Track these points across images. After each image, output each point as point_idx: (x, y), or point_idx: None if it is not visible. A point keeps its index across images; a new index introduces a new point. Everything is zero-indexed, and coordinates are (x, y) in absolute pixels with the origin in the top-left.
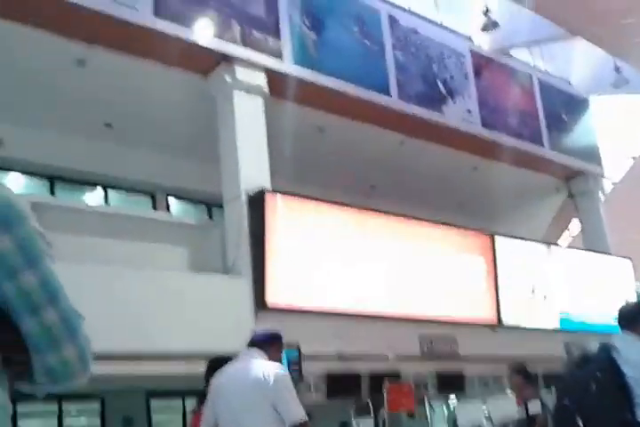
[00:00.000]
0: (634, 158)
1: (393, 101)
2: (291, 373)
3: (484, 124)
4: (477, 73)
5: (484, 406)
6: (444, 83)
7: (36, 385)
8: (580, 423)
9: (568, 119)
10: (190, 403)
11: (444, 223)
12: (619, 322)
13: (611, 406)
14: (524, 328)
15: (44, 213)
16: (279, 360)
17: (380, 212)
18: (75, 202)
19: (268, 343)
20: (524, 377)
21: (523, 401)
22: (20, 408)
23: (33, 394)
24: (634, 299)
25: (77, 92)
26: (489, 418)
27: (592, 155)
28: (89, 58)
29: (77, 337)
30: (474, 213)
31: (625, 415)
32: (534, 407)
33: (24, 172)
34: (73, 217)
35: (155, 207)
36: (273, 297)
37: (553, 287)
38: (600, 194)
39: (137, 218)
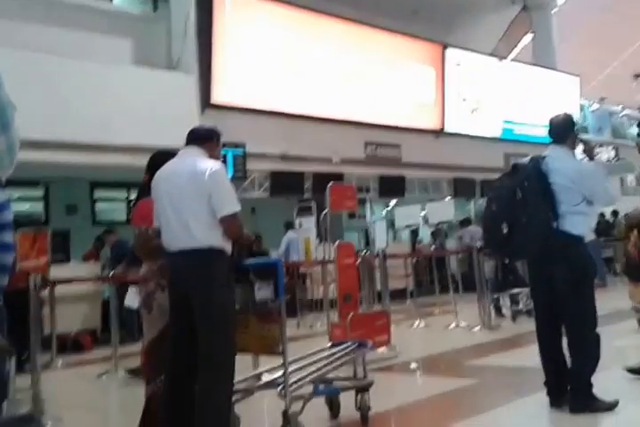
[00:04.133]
0: None
1: None
2: (235, 170)
3: None
4: None
5: (422, 210)
6: None
7: None
8: (505, 229)
9: None
10: (135, 194)
11: (396, 31)
12: (549, 134)
13: (535, 214)
14: (466, 135)
15: None
16: (218, 157)
17: (332, 15)
18: None
19: (207, 140)
20: None
21: None
22: None
23: None
24: (568, 112)
25: None
26: (425, 219)
27: None
28: None
29: (10, 129)
30: (427, 22)
31: (549, 223)
32: None
33: None
34: (11, 2)
35: None
36: (219, 95)
37: (499, 99)
38: (554, 8)
39: (78, 6)
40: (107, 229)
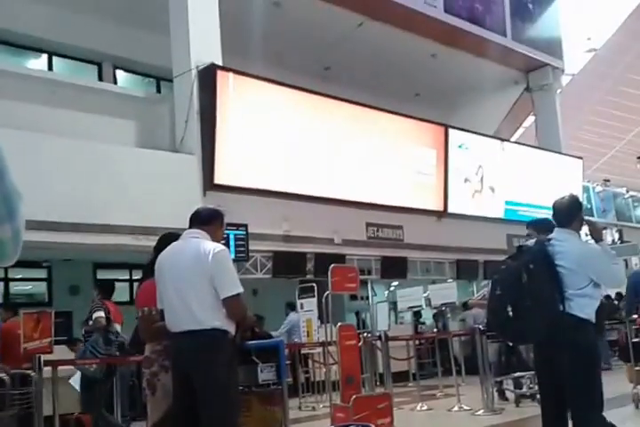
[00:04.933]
0: (594, 51)
1: None
2: (237, 251)
3: (447, 10)
4: None
5: (424, 291)
6: None
7: None
8: (510, 312)
9: (534, 9)
10: (137, 275)
11: (398, 113)
12: (553, 218)
13: (540, 297)
14: (469, 217)
15: None
16: (221, 238)
17: (333, 97)
18: (18, 67)
19: (211, 222)
20: (99, 292)
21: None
22: None
23: None
24: (573, 193)
25: None
26: (428, 301)
27: (554, 47)
28: None
29: (15, 218)
30: (430, 103)
31: (555, 306)
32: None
33: None
34: (15, 83)
35: (101, 78)
36: (222, 176)
37: (502, 180)
38: (558, 89)
39: (82, 87)
40: (70, 340)
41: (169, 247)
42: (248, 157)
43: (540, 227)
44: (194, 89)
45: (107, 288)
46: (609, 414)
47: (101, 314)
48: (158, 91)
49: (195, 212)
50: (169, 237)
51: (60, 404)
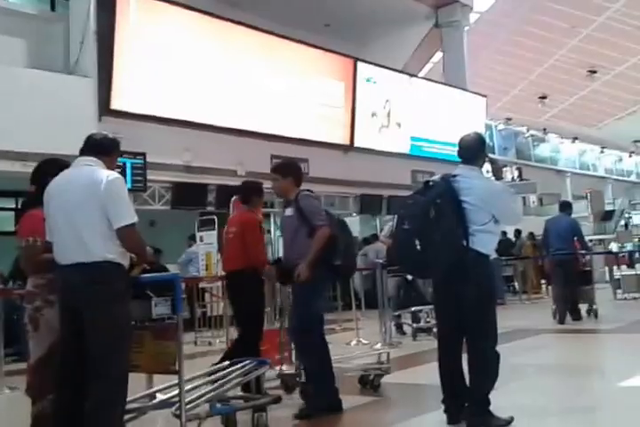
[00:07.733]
0: None
1: None
2: (134, 180)
3: None
4: None
5: None
6: None
7: None
8: (418, 246)
9: None
10: None
11: (307, 44)
12: (459, 154)
13: (448, 232)
14: (375, 151)
15: None
16: (114, 168)
17: (242, 24)
18: None
19: (106, 152)
20: None
21: None
22: None
23: None
24: (478, 131)
25: None
26: None
27: None
28: None
29: None
30: (340, 35)
31: (459, 241)
32: None
33: None
34: None
35: None
36: (119, 101)
37: (408, 116)
38: (466, 26)
39: None
40: None
41: (60, 176)
42: (149, 82)
43: (285, 170)
44: (91, 8)
45: None
46: (504, 348)
47: None
48: (53, 9)
49: (89, 138)
50: (49, 165)
51: None
